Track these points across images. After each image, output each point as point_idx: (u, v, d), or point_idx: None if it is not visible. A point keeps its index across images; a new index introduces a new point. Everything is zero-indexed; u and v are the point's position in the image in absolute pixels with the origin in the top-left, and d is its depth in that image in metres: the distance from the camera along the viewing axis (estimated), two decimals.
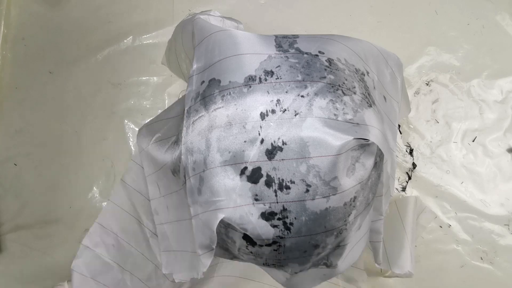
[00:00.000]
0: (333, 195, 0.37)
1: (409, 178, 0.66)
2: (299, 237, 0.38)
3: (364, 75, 0.45)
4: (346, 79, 0.41)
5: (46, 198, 0.67)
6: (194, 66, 0.44)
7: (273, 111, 0.38)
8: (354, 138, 0.37)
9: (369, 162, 0.40)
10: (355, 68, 0.44)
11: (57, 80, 0.70)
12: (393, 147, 0.48)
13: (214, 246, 0.39)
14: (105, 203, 0.63)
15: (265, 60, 0.41)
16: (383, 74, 0.50)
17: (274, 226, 0.38)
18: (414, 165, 0.66)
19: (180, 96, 0.70)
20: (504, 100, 0.67)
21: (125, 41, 0.71)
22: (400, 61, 0.53)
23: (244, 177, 0.38)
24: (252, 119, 0.38)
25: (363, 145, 0.39)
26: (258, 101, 0.39)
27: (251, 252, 0.41)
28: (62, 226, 0.66)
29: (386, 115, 0.48)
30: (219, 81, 0.40)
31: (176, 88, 0.69)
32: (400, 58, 0.53)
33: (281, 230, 0.38)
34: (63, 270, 0.66)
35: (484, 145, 0.66)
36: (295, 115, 0.38)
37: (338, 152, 0.37)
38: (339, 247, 0.42)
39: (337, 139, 0.37)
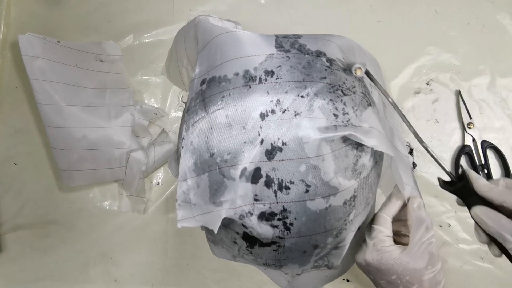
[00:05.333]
0: (332, 195, 0.37)
1: None
2: (299, 237, 0.38)
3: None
4: (346, 79, 0.41)
5: (46, 198, 0.67)
6: (197, 70, 0.44)
7: (273, 112, 0.38)
8: (354, 141, 0.37)
9: (369, 161, 0.40)
10: None
11: None
12: (396, 144, 0.46)
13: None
14: None
15: (265, 60, 0.41)
16: (379, 75, 0.51)
17: (274, 227, 0.38)
18: (414, 165, 0.66)
19: (180, 97, 0.70)
20: (504, 100, 0.67)
21: (125, 40, 0.70)
22: (379, 66, 0.55)
23: (243, 177, 0.37)
24: (252, 120, 0.38)
25: (363, 144, 0.39)
26: (258, 101, 0.39)
27: (251, 253, 0.41)
28: (62, 226, 0.66)
29: (388, 114, 0.48)
30: (219, 82, 0.40)
31: (177, 88, 0.69)
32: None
33: (281, 230, 0.38)
34: (63, 270, 0.66)
35: None
36: (295, 116, 0.38)
37: (338, 152, 0.37)
38: (338, 247, 0.42)
39: (336, 140, 0.37)
